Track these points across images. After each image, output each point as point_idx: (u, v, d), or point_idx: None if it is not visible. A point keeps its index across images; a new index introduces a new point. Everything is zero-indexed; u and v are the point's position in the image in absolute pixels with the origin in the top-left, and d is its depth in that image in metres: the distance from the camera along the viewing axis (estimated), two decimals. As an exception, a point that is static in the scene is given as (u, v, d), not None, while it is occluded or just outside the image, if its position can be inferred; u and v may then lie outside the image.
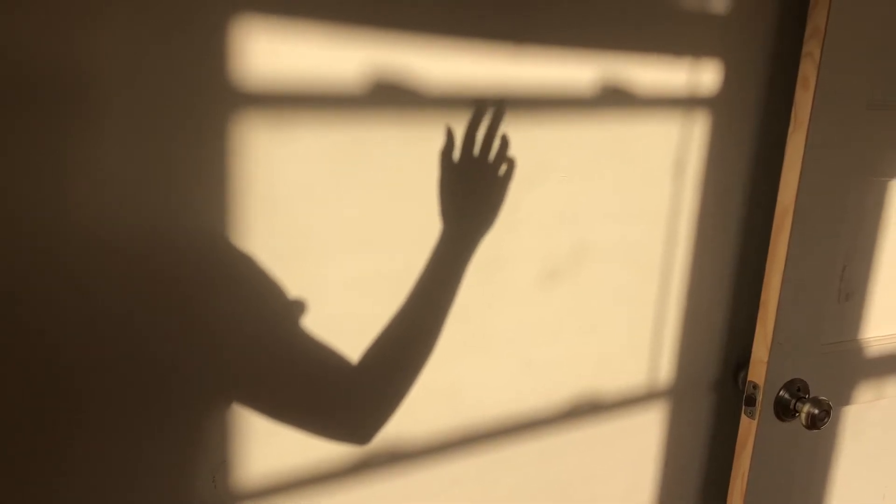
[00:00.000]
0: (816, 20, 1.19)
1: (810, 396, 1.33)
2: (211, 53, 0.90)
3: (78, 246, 0.88)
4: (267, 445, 1.05)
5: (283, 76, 0.94)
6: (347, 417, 1.11)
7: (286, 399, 1.05)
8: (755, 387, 1.31)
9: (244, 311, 0.99)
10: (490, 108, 1.07)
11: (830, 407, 1.29)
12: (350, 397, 1.10)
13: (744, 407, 1.34)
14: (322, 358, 1.06)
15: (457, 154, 1.07)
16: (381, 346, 1.08)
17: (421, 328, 1.12)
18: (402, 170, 1.04)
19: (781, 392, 1.32)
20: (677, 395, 1.38)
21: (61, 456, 0.94)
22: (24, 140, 0.83)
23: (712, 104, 1.24)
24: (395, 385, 1.13)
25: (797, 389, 1.33)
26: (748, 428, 1.34)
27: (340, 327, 1.06)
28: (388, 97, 1.01)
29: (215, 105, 0.92)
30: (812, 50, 1.20)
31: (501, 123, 1.09)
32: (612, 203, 1.21)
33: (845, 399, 1.43)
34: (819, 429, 1.30)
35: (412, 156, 1.04)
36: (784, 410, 1.33)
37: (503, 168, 1.11)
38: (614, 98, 1.16)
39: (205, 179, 0.93)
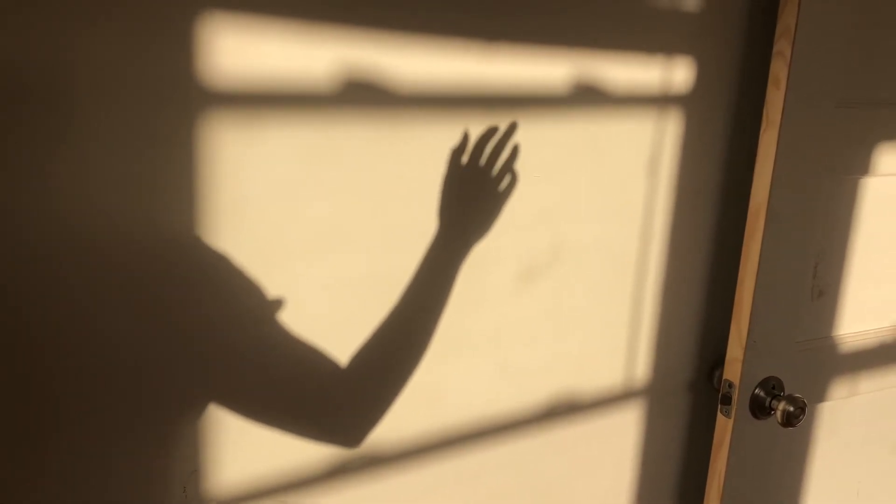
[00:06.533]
0: (787, 19, 1.19)
1: (785, 394, 1.33)
2: (178, 52, 0.88)
3: (47, 246, 0.86)
4: (239, 453, 1.03)
5: (252, 75, 0.93)
6: (336, 421, 1.10)
7: (271, 401, 1.04)
8: (730, 385, 1.32)
9: (222, 313, 0.98)
10: (505, 123, 1.09)
11: (805, 404, 1.30)
12: (339, 400, 1.08)
13: (719, 406, 1.34)
14: (309, 359, 1.04)
15: (466, 158, 1.07)
16: (371, 348, 1.08)
17: (412, 331, 1.11)
18: (375, 170, 1.03)
19: (757, 390, 1.33)
20: (654, 394, 1.38)
21: (30, 465, 0.92)
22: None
23: (685, 102, 1.24)
24: (385, 388, 1.12)
25: (772, 387, 1.34)
26: (724, 426, 1.34)
27: (314, 331, 1.04)
28: (360, 96, 1.00)
29: (182, 105, 0.90)
30: (783, 49, 1.20)
31: (512, 138, 1.10)
32: (587, 202, 1.21)
33: (820, 396, 1.44)
34: (794, 426, 1.30)
35: (385, 155, 1.03)
36: (759, 408, 1.33)
37: (506, 181, 1.12)
38: (587, 96, 1.16)
39: (173, 180, 0.91)
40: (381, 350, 1.08)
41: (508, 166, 1.11)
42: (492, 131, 1.09)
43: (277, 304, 1.00)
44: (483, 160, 1.09)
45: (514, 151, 1.11)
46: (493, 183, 1.11)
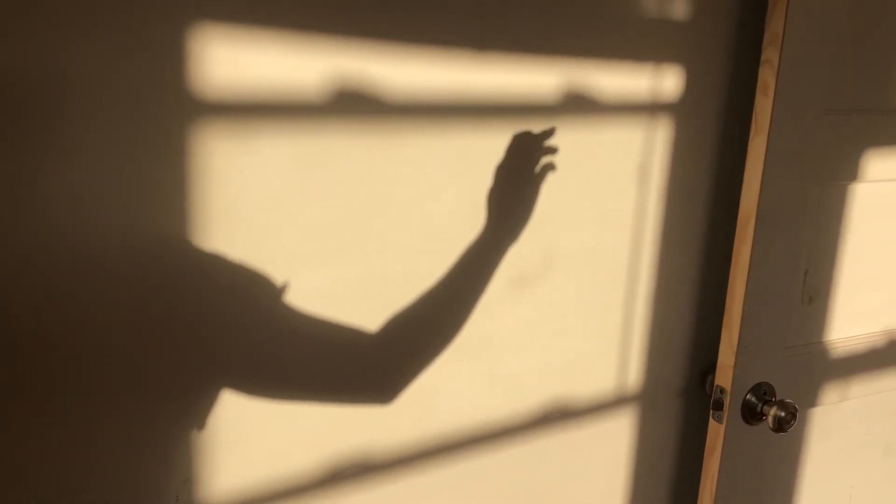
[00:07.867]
0: (774, 27, 1.20)
1: (777, 399, 1.34)
2: (170, 62, 0.89)
3: (40, 254, 0.87)
4: (232, 461, 1.03)
5: (244, 84, 0.93)
6: (367, 383, 1.12)
7: (294, 378, 1.06)
8: (722, 391, 1.32)
9: (223, 310, 0.98)
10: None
11: (796, 409, 1.30)
12: (366, 368, 1.11)
13: (711, 411, 1.35)
14: (329, 333, 1.06)
15: (513, 161, 1.11)
16: (401, 323, 1.10)
17: (442, 316, 1.14)
18: (368, 177, 1.04)
19: (748, 396, 1.33)
20: (646, 400, 1.38)
21: (24, 469, 0.92)
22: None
23: (674, 110, 1.25)
24: (409, 362, 1.14)
25: (763, 393, 1.34)
26: (716, 432, 1.34)
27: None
28: (351, 105, 1.00)
29: (175, 115, 0.90)
30: (770, 56, 1.21)
31: (551, 136, 1.14)
32: (578, 209, 1.22)
33: (811, 401, 1.45)
34: (786, 431, 1.31)
35: (377, 163, 1.04)
36: (751, 414, 1.34)
37: (539, 170, 1.15)
38: (578, 104, 1.16)
39: (166, 189, 0.92)
40: (409, 327, 1.11)
41: (546, 151, 1.15)
42: (528, 133, 1.13)
43: (282, 288, 1.01)
44: (527, 156, 1.14)
45: (552, 147, 1.15)
46: (530, 176, 1.15)
